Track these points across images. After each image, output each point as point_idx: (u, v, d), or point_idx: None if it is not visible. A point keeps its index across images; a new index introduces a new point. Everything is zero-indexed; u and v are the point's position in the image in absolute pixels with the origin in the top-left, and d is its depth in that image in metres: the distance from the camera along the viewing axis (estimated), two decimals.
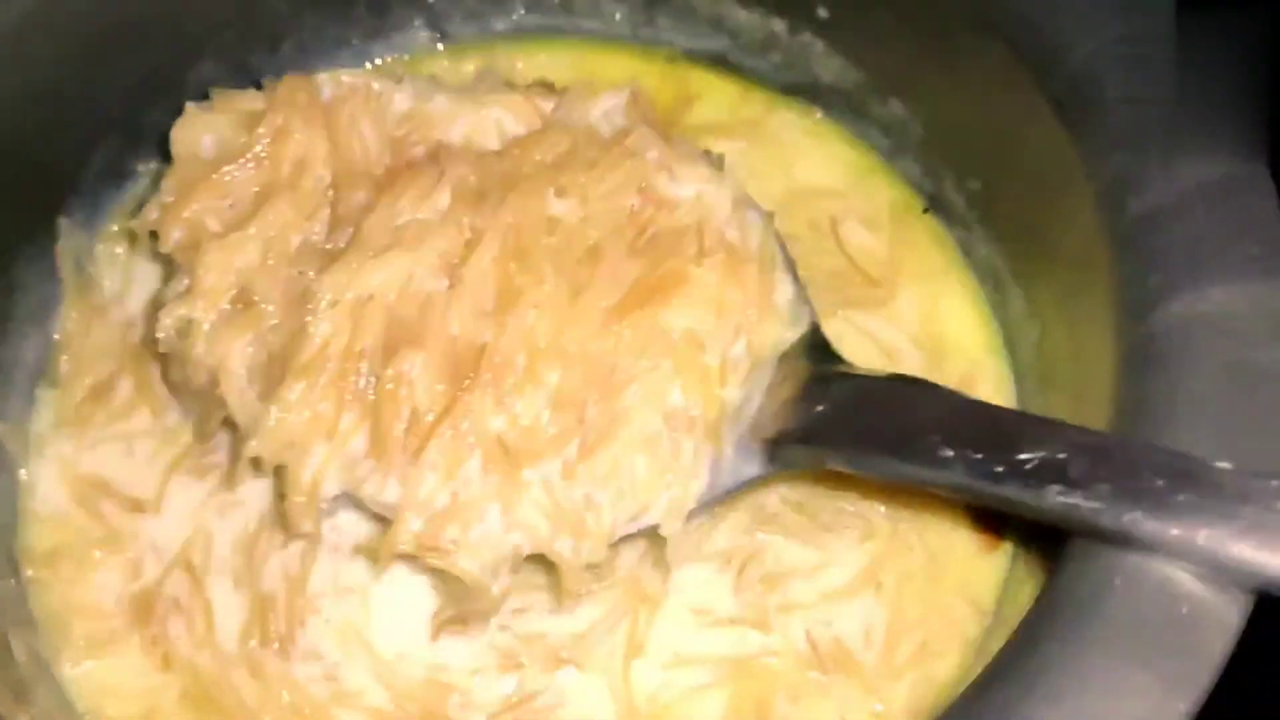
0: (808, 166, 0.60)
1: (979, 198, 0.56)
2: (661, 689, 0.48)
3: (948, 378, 0.54)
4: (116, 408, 0.54)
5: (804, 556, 0.50)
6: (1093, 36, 0.48)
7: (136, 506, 0.52)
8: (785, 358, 0.49)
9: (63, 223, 0.56)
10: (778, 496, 0.51)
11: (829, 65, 0.60)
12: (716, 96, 0.62)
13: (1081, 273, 0.48)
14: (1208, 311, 0.42)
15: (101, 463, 0.53)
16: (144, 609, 0.50)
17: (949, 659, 0.49)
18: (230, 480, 0.52)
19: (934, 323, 0.56)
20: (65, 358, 0.55)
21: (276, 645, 0.49)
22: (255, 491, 0.52)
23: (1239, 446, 0.39)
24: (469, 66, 0.62)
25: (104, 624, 0.50)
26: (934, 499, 0.51)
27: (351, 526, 0.51)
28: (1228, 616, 0.37)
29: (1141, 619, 0.37)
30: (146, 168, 0.59)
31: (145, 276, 0.57)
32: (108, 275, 0.57)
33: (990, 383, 0.54)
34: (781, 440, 0.47)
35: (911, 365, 0.54)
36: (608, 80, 0.59)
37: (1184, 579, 0.37)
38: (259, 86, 0.54)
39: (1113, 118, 0.47)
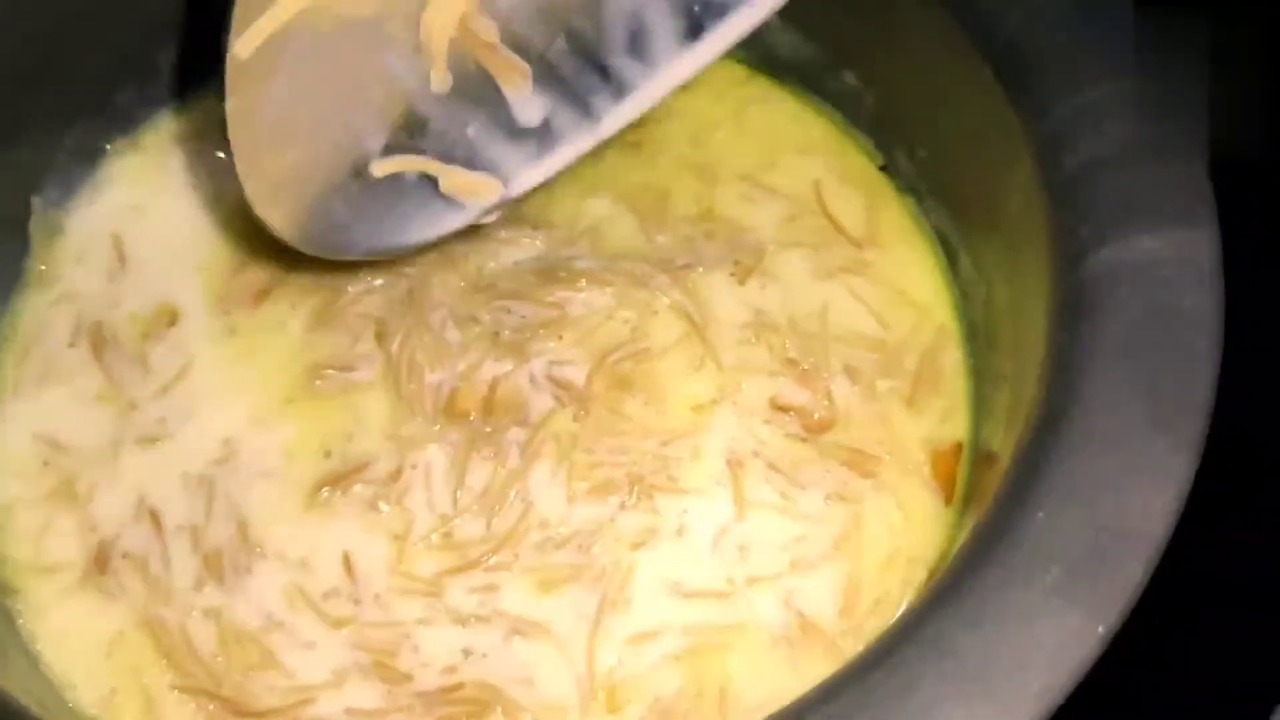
0: (785, 134, 0.61)
1: (927, 165, 0.57)
2: (621, 663, 0.49)
3: (923, 340, 0.55)
4: (75, 370, 0.55)
5: (779, 526, 0.51)
6: (1026, 3, 0.49)
7: (92, 461, 0.53)
8: None
9: (35, 200, 0.58)
10: (760, 461, 0.52)
11: (784, 40, 0.61)
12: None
13: (1021, 231, 0.49)
14: (1134, 260, 0.43)
15: (57, 421, 0.54)
16: (101, 560, 0.51)
17: (900, 607, 0.50)
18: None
19: (908, 285, 0.57)
20: (26, 326, 0.57)
21: (227, 587, 0.50)
22: (203, 438, 0.53)
23: (1160, 388, 0.41)
24: None
25: (62, 576, 0.51)
26: (903, 456, 0.52)
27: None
28: (1149, 541, 0.38)
29: (1063, 548, 0.38)
30: (117, 147, 0.61)
31: (104, 253, 0.59)
32: (75, 251, 0.59)
33: (954, 344, 0.55)
34: None
35: (901, 329, 0.56)
36: None
37: (1108, 505, 0.38)
38: None
39: (1049, 77, 0.48)
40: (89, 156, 0.60)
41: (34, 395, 0.55)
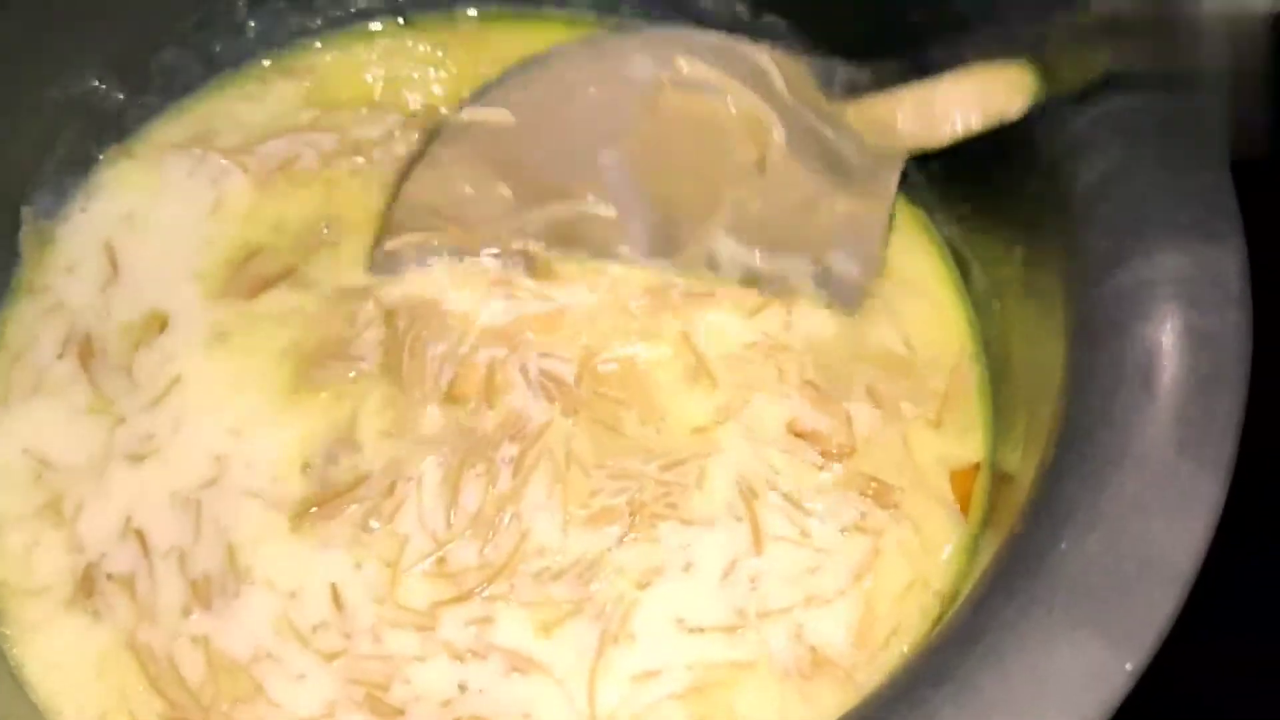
0: None
1: (939, 178, 0.56)
2: (624, 702, 0.47)
3: (939, 356, 0.54)
4: (64, 383, 0.54)
5: (792, 559, 0.49)
6: (1045, 10, 0.48)
7: (79, 478, 0.52)
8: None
9: (25, 210, 0.57)
10: (775, 492, 0.51)
11: (793, 47, 0.59)
12: None
13: (1037, 246, 0.48)
14: (1155, 277, 0.42)
15: (47, 435, 0.53)
16: (87, 582, 0.50)
17: (916, 635, 0.48)
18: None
19: (920, 299, 0.56)
20: (15, 337, 0.56)
21: (215, 612, 0.49)
22: (192, 452, 0.52)
23: (1187, 412, 0.39)
24: (439, 54, 0.63)
25: (48, 598, 0.50)
26: (922, 479, 0.51)
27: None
28: (1178, 572, 0.36)
29: (1087, 578, 0.36)
30: (109, 155, 0.59)
31: (95, 263, 0.57)
32: (66, 261, 0.57)
33: (969, 360, 0.54)
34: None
35: (913, 345, 0.54)
36: None
37: (1134, 534, 0.37)
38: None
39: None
40: (81, 165, 0.59)
41: (24, 408, 0.54)
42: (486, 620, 0.48)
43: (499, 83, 0.53)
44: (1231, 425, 0.39)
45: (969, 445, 0.52)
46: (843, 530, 0.50)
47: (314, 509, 0.50)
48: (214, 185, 0.58)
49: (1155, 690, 0.36)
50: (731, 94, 0.51)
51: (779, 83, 0.50)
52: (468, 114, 0.52)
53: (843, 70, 0.50)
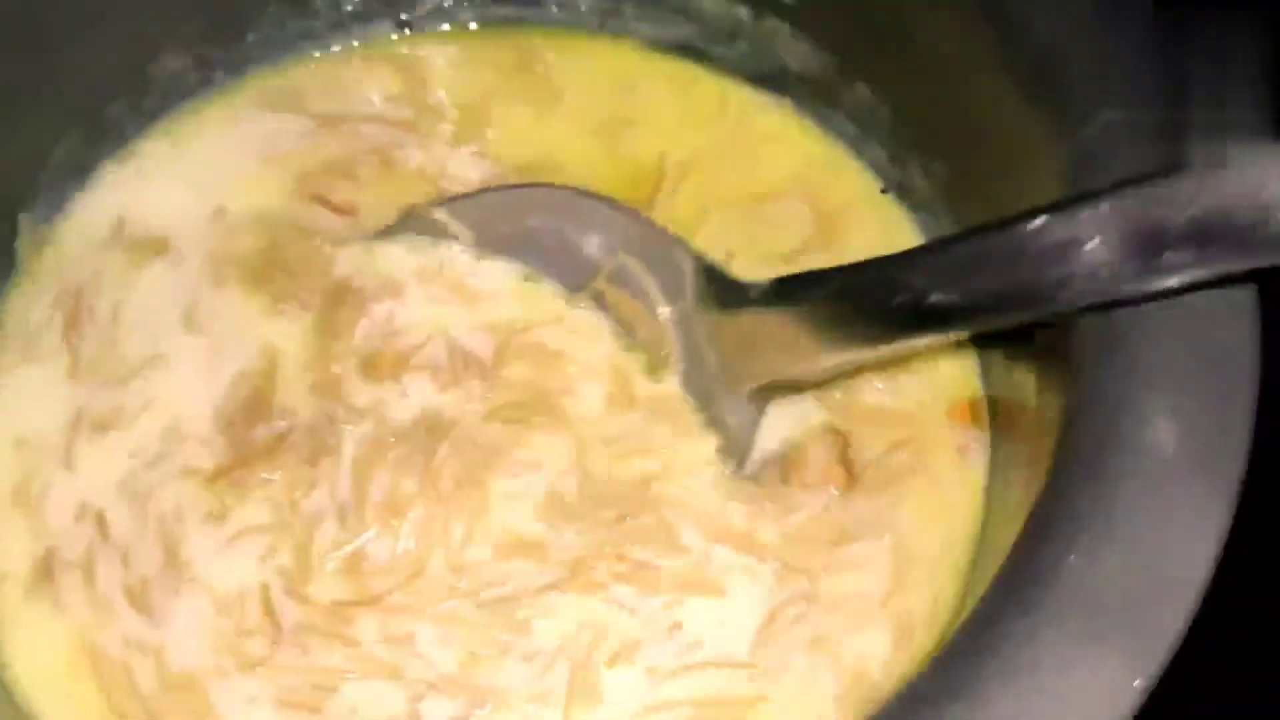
0: (772, 161, 0.59)
1: (944, 180, 0.56)
2: None
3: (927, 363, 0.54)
4: (46, 351, 0.54)
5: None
6: (1058, 11, 0.47)
7: (48, 460, 0.51)
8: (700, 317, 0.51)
9: (23, 218, 0.56)
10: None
11: (795, 51, 0.59)
12: (689, 87, 0.62)
13: None
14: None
15: (16, 417, 0.53)
16: (45, 571, 0.49)
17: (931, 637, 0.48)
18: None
19: None
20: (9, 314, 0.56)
21: (155, 619, 0.48)
22: (152, 440, 0.52)
23: (1198, 424, 0.39)
24: (438, 59, 0.62)
25: (12, 586, 0.49)
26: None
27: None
28: (1188, 589, 0.36)
29: (1097, 594, 0.36)
30: (110, 161, 0.59)
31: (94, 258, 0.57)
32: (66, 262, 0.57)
33: (957, 366, 0.54)
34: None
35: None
36: (587, 68, 0.61)
37: (1145, 549, 0.37)
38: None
39: (1078, 94, 0.46)
40: (79, 172, 0.58)
41: (11, 378, 0.54)
42: (407, 638, 0.47)
43: (476, 197, 0.56)
44: (1241, 438, 0.38)
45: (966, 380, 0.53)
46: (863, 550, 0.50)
47: (235, 471, 0.50)
48: (209, 192, 0.58)
49: (1164, 705, 0.36)
50: (652, 307, 0.53)
51: (690, 298, 0.52)
52: (438, 214, 0.55)
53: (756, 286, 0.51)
